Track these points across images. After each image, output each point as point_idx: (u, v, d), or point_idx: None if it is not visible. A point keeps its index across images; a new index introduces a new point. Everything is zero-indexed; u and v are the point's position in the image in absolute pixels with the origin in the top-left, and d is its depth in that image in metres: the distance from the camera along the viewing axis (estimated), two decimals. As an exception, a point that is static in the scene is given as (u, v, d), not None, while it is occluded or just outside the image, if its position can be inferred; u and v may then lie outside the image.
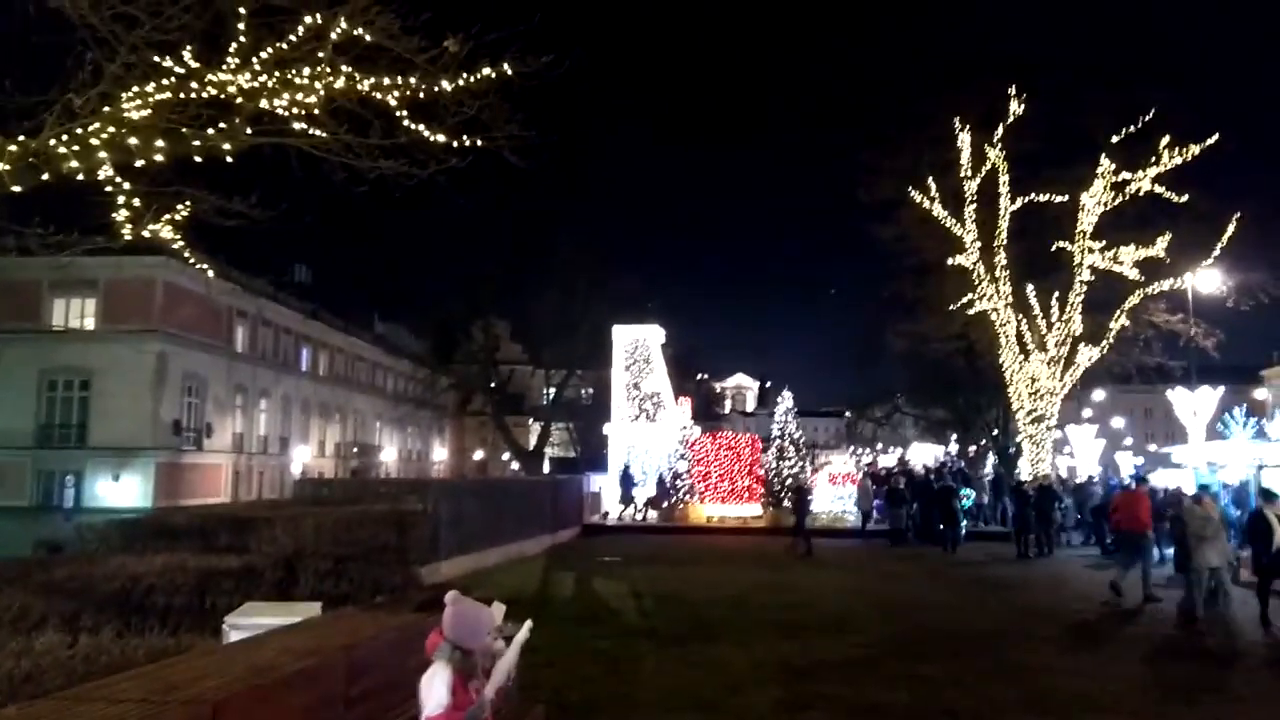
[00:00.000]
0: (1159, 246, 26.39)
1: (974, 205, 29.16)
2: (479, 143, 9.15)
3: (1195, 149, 25.94)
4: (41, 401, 34.96)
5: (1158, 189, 26.60)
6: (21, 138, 8.43)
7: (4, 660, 6.04)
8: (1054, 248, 28.72)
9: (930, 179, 29.08)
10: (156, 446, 34.98)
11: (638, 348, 35.82)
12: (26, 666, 5.95)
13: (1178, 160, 26.07)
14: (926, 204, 29.21)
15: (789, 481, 26.33)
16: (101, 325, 35.24)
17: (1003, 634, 11.62)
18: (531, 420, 60.50)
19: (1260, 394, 66.73)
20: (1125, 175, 27.09)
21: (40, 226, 9.51)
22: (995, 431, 43.14)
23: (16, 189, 8.43)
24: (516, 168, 10.30)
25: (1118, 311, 28.04)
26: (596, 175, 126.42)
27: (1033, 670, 9.46)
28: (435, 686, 4.23)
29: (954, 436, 53.22)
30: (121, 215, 8.95)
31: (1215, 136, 25.83)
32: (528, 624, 4.63)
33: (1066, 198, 28.08)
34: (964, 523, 23.50)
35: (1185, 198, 25.93)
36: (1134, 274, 27.48)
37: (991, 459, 43.58)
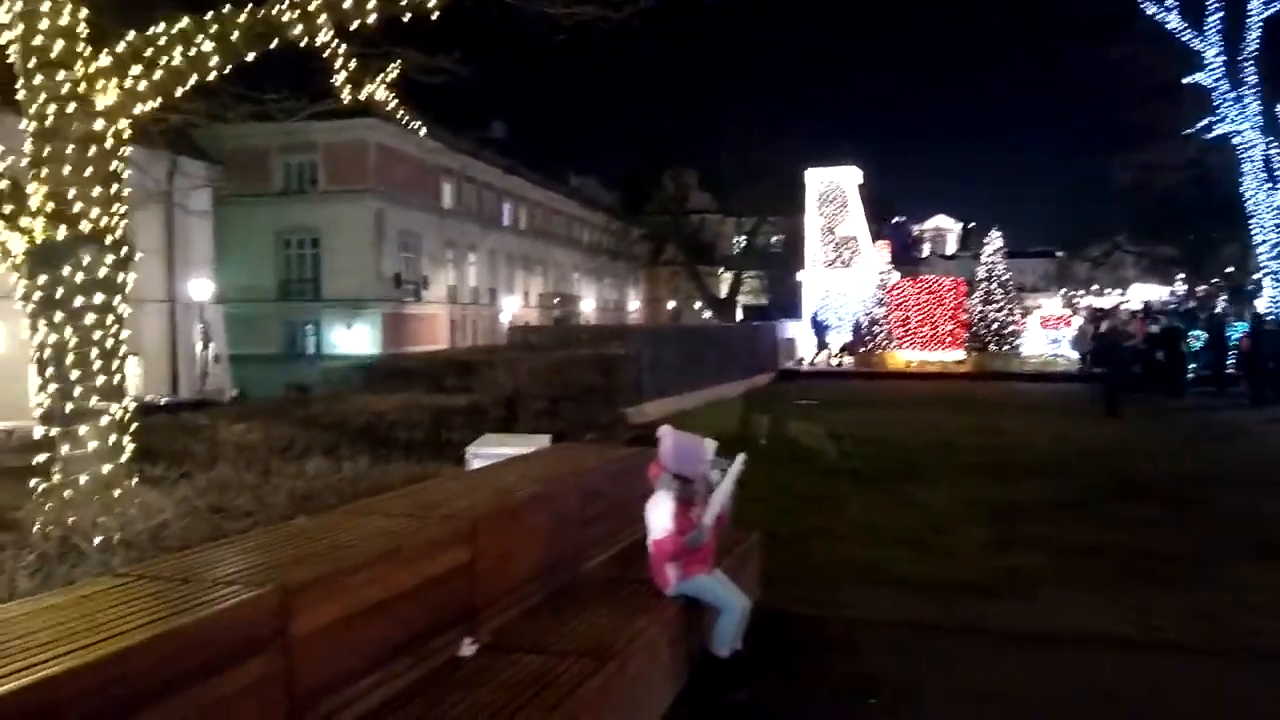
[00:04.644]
0: None
1: (1218, 14, 25.85)
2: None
3: None
4: (279, 258, 38.30)
5: None
6: (250, 7, 9.05)
7: (285, 481, 7.00)
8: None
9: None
10: (380, 298, 37.76)
11: (832, 191, 34.85)
12: (303, 487, 6.87)
13: None
14: (1161, 15, 26.17)
15: (1102, 328, 22.20)
16: (325, 187, 37.80)
17: (1226, 480, 11.01)
18: (722, 270, 60.60)
19: None
20: None
21: (274, 93, 10.29)
22: (1230, 269, 39.49)
23: (249, 57, 9.12)
24: (706, 6, 10.09)
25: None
26: (786, 13, 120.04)
27: (1258, 518, 9.00)
28: (660, 512, 4.59)
29: (1180, 276, 49.09)
30: (341, 78, 9.50)
31: None
32: (741, 456, 4.88)
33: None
34: (1191, 366, 21.92)
35: None
36: None
37: (1223, 300, 40.10)
